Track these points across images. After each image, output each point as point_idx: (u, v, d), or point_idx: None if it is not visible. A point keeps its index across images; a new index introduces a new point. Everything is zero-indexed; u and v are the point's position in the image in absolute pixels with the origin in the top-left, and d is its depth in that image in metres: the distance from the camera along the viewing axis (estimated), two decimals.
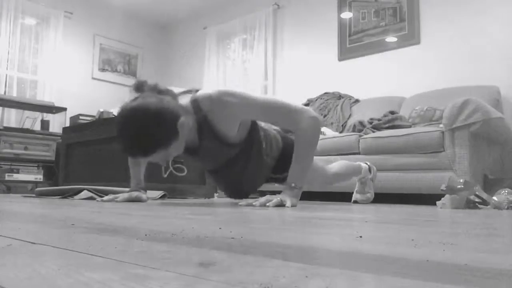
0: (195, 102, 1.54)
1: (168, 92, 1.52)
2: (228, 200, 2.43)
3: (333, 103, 3.95)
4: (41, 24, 5.10)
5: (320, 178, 2.05)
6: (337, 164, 2.20)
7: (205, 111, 1.53)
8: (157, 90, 1.50)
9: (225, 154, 1.70)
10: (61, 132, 3.94)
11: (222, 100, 1.52)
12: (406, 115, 3.23)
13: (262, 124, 1.81)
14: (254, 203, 1.55)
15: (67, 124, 4.61)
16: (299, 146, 1.61)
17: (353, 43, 4.22)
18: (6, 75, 4.71)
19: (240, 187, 1.90)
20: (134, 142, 1.42)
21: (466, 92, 3.05)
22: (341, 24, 4.32)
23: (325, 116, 3.88)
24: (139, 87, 1.51)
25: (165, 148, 1.44)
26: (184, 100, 1.55)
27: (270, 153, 1.82)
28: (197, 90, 1.61)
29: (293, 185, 1.58)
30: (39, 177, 4.26)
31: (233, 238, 0.55)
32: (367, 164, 2.43)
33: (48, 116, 4.79)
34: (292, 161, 1.61)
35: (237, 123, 1.60)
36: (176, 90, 1.62)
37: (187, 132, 1.49)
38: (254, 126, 1.73)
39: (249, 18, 5.12)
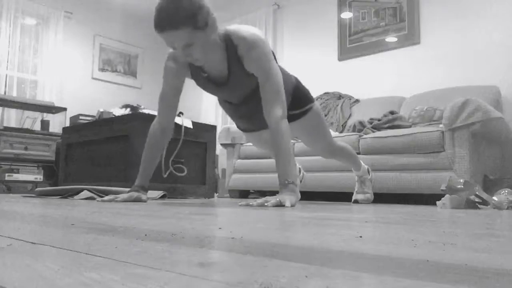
0: (227, 36, 1.66)
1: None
2: (228, 200, 2.43)
3: (333, 103, 3.95)
4: (41, 24, 5.10)
5: (327, 144, 2.09)
6: (343, 143, 2.26)
7: (235, 44, 1.66)
8: None
9: (248, 84, 1.76)
10: (61, 132, 3.94)
11: (253, 45, 1.64)
12: (406, 115, 3.23)
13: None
14: (252, 203, 1.55)
15: (67, 124, 4.61)
16: (278, 141, 1.63)
17: (353, 43, 4.23)
18: (6, 75, 4.71)
19: (257, 119, 1.91)
20: (166, 12, 1.49)
21: (466, 92, 3.05)
22: (341, 24, 4.32)
23: (325, 116, 3.88)
24: None
25: (192, 29, 1.50)
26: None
27: (286, 87, 1.85)
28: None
29: (286, 181, 1.59)
30: (39, 177, 4.26)
31: (233, 238, 0.55)
32: (366, 166, 2.48)
33: (48, 116, 4.79)
34: (275, 159, 1.64)
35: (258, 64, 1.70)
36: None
37: (215, 40, 1.60)
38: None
39: (249, 18, 5.12)
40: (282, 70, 1.85)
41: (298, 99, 1.91)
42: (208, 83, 1.79)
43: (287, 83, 1.86)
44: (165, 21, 1.50)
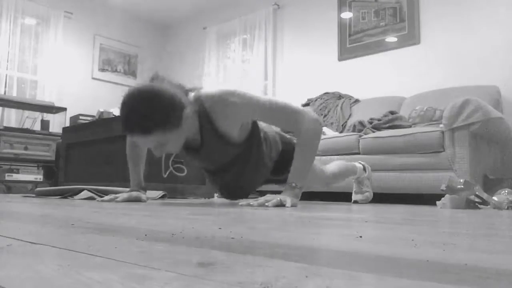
0: (198, 100, 1.55)
1: (179, 86, 1.53)
2: (228, 200, 2.43)
3: (333, 103, 3.95)
4: (41, 24, 5.10)
5: (318, 179, 2.05)
6: (333, 165, 2.21)
7: (208, 110, 1.54)
8: (168, 80, 1.52)
9: (226, 154, 1.71)
10: (61, 132, 3.94)
11: (225, 100, 1.52)
12: (406, 115, 3.23)
13: (262, 125, 1.81)
14: (252, 203, 1.54)
15: (67, 124, 4.61)
16: (301, 147, 1.61)
17: (353, 43, 4.22)
18: (6, 75, 4.71)
19: (238, 188, 1.90)
20: (137, 119, 1.39)
21: (466, 92, 3.05)
22: (341, 24, 4.32)
23: (325, 116, 3.88)
24: (154, 77, 1.51)
25: (164, 132, 1.41)
26: (188, 97, 1.57)
27: (270, 155, 1.83)
28: (199, 89, 1.61)
29: (293, 184, 1.58)
30: (39, 177, 4.26)
31: (233, 238, 0.55)
32: (361, 163, 2.44)
33: (48, 116, 4.79)
34: (293, 161, 1.61)
35: (239, 123, 1.61)
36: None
37: (189, 126, 1.49)
38: (255, 127, 1.73)
39: (249, 18, 5.12)
40: (266, 130, 1.82)
41: (285, 163, 1.72)
42: (182, 151, 1.70)
43: (272, 149, 1.82)
44: (134, 126, 1.40)
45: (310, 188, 2.16)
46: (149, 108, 1.37)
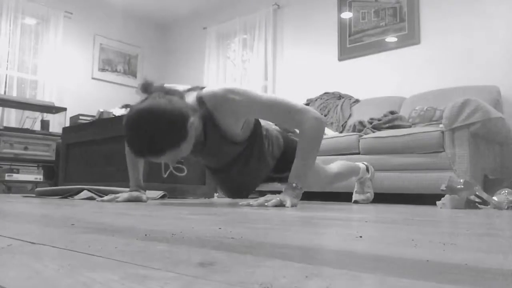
0: (200, 100, 1.54)
1: (175, 92, 1.50)
2: (228, 200, 2.43)
3: (333, 103, 3.95)
4: (41, 24, 5.10)
5: (321, 179, 2.04)
6: (336, 165, 2.20)
7: (210, 109, 1.54)
8: (165, 91, 1.48)
9: (229, 152, 1.71)
10: (61, 132, 3.94)
11: (227, 98, 1.52)
12: (406, 115, 3.23)
13: (264, 123, 1.81)
14: (252, 203, 1.54)
15: (67, 124, 4.61)
16: (302, 146, 1.60)
17: (353, 43, 4.22)
18: (6, 75, 4.71)
19: (240, 186, 1.90)
20: (145, 144, 1.38)
21: (466, 92, 3.05)
22: (341, 24, 4.32)
23: (325, 116, 3.88)
24: (146, 88, 1.48)
25: (176, 149, 1.41)
26: (190, 98, 1.55)
27: (272, 153, 1.83)
28: (202, 88, 1.61)
29: (294, 184, 1.58)
30: (39, 177, 4.26)
31: (233, 238, 0.55)
32: (364, 164, 2.44)
33: (48, 116, 4.79)
34: (294, 160, 1.61)
35: (242, 121, 1.62)
36: (181, 88, 1.61)
37: (195, 132, 1.48)
38: (257, 125, 1.74)
39: (249, 18, 5.12)
40: (268, 127, 1.81)
41: (287, 162, 1.71)
42: None
43: (274, 147, 1.82)
44: (145, 152, 1.40)
45: (311, 188, 2.15)
46: (155, 133, 1.36)
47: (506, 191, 1.86)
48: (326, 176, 2.07)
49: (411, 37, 3.81)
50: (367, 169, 2.44)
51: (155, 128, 1.36)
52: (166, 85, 1.54)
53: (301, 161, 1.60)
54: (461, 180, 1.87)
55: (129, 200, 1.79)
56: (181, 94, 1.53)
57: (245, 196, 1.99)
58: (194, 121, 1.44)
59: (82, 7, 5.46)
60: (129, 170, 1.88)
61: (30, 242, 0.48)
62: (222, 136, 1.60)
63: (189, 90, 1.61)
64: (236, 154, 1.72)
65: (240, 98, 1.53)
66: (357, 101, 3.89)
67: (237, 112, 1.56)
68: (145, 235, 0.57)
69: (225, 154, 1.72)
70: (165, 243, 0.49)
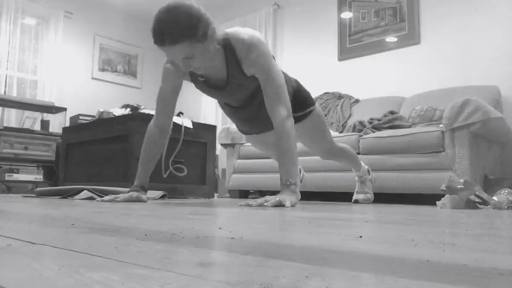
0: (226, 40, 1.64)
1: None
2: (228, 200, 2.43)
3: (333, 103, 3.95)
4: (41, 24, 5.10)
5: (328, 143, 2.09)
6: (343, 144, 2.27)
7: (235, 50, 1.64)
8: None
9: (249, 88, 1.76)
10: (61, 132, 3.94)
11: (253, 46, 1.63)
12: (406, 115, 3.23)
13: None
14: (251, 203, 1.55)
15: (67, 124, 4.61)
16: (282, 141, 1.63)
17: (353, 43, 4.23)
18: (6, 75, 4.71)
19: (259, 120, 1.92)
20: (165, 27, 1.47)
21: (466, 92, 3.05)
22: (341, 24, 4.32)
23: (325, 116, 3.88)
24: None
25: (191, 42, 1.49)
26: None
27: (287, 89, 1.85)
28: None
29: (287, 182, 1.59)
30: (39, 177, 4.26)
31: (233, 238, 0.55)
32: (366, 166, 2.49)
33: (48, 116, 4.79)
34: (278, 158, 1.64)
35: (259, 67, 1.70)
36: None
37: (214, 50, 1.59)
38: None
39: (249, 18, 5.12)
40: (283, 73, 1.86)
41: (299, 102, 1.91)
42: (207, 87, 1.79)
43: (287, 86, 1.85)
44: (164, 36, 1.49)
45: (313, 151, 2.17)
46: (177, 18, 1.47)
47: (506, 191, 1.86)
48: (333, 144, 2.12)
49: (411, 37, 3.81)
50: (368, 172, 2.49)
51: (180, 13, 1.48)
52: None
53: (285, 156, 1.62)
54: (461, 180, 1.87)
55: (129, 200, 1.79)
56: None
57: (264, 130, 2.02)
58: (214, 33, 1.56)
59: (82, 7, 5.46)
60: (140, 166, 1.90)
61: (30, 242, 0.48)
62: (243, 74, 1.69)
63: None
64: (255, 88, 1.77)
65: (264, 51, 1.66)
66: (357, 101, 3.89)
67: (257, 61, 1.66)
68: (145, 235, 0.57)
69: (244, 90, 1.77)
70: (165, 243, 0.49)
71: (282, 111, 1.64)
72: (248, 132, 2.10)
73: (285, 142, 1.62)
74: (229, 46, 1.65)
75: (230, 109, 1.93)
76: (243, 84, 1.73)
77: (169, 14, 1.48)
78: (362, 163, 2.45)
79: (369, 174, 2.49)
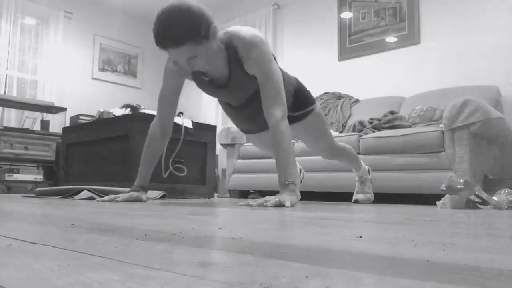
0: (228, 39, 1.65)
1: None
2: (228, 200, 2.43)
3: (333, 103, 3.95)
4: (41, 24, 5.10)
5: (329, 141, 2.09)
6: (344, 144, 2.28)
7: (236, 48, 1.65)
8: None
9: (251, 86, 1.76)
10: (61, 132, 3.94)
11: (254, 45, 1.64)
12: (406, 115, 3.23)
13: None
14: (251, 203, 1.55)
15: (67, 124, 4.61)
16: (278, 141, 1.63)
17: (353, 43, 4.23)
18: (6, 75, 4.71)
19: (260, 121, 1.91)
20: (170, 27, 1.48)
21: (466, 92, 3.05)
22: (341, 24, 4.32)
23: (325, 116, 3.88)
24: None
25: (195, 45, 1.50)
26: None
27: (286, 88, 1.85)
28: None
29: (286, 182, 1.59)
30: (39, 177, 4.26)
31: (233, 238, 0.55)
32: (366, 166, 2.50)
33: (48, 116, 4.79)
34: (276, 159, 1.64)
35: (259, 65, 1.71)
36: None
37: (217, 48, 1.59)
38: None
39: (249, 18, 5.12)
40: (282, 71, 1.86)
41: (300, 101, 1.92)
42: (209, 85, 1.79)
43: (288, 84, 1.85)
44: (166, 38, 1.49)
45: (313, 150, 2.16)
46: (179, 20, 1.47)
47: (506, 191, 1.86)
48: (334, 143, 2.13)
49: (411, 37, 3.81)
50: (368, 172, 2.49)
51: (181, 16, 1.48)
52: None
53: (282, 156, 1.62)
54: (461, 180, 1.87)
55: (129, 200, 1.79)
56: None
57: (263, 128, 2.01)
58: (216, 32, 1.56)
59: (82, 7, 5.46)
60: (141, 166, 1.90)
61: (30, 242, 0.48)
62: (245, 73, 1.69)
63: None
64: (256, 88, 1.76)
65: (265, 50, 1.66)
66: (357, 101, 3.89)
67: (256, 60, 1.66)
68: (145, 235, 0.57)
69: (246, 88, 1.77)
70: (165, 243, 0.49)
71: (277, 113, 1.64)
72: (248, 132, 2.10)
73: (281, 142, 1.62)
74: (230, 45, 1.65)
75: (230, 108, 1.93)
76: (244, 83, 1.73)
77: (170, 16, 1.48)
78: (363, 163, 2.45)
79: (369, 175, 2.50)
